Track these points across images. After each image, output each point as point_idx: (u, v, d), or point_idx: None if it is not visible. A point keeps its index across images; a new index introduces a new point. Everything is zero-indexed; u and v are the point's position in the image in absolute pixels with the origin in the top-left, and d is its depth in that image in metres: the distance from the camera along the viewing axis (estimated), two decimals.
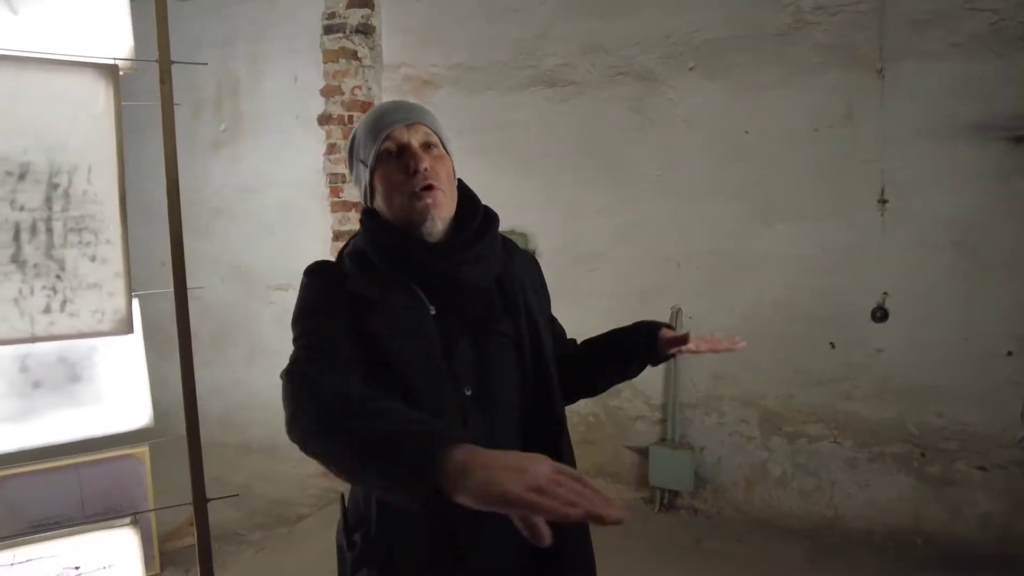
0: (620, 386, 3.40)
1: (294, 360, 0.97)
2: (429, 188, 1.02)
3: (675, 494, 3.32)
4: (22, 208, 1.48)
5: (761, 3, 2.96)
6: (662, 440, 3.34)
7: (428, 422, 0.79)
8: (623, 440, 3.46)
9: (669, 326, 1.25)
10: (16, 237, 1.48)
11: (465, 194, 1.13)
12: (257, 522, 3.40)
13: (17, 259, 1.48)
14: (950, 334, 2.81)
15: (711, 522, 3.22)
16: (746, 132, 3.05)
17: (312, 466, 3.92)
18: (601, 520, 0.64)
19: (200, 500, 1.40)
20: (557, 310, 1.33)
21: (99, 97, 1.55)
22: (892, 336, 2.89)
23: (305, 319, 1.03)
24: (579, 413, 3.53)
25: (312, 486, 3.77)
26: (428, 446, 0.72)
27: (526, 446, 1.09)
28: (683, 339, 1.17)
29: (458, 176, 1.13)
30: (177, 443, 2.98)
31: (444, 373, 1.01)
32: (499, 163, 3.48)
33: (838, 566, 2.80)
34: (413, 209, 1.03)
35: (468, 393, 1.03)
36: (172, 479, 2.89)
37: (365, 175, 1.08)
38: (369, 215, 1.09)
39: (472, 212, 1.11)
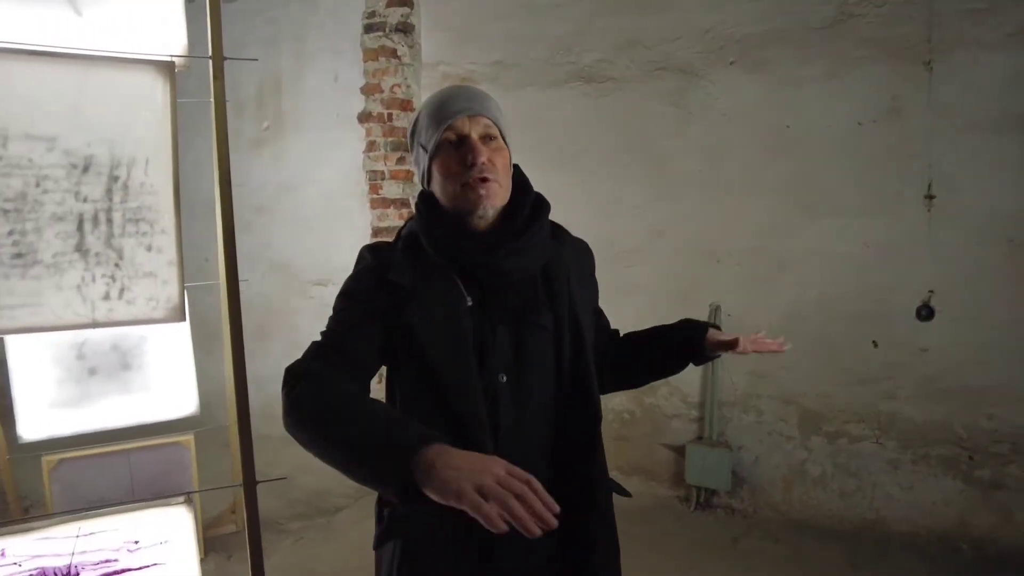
0: (657, 383, 3.40)
1: (309, 350, 1.04)
2: (484, 180, 1.04)
3: (712, 493, 3.29)
4: (85, 199, 1.55)
5: None
6: (699, 438, 3.31)
7: (406, 426, 0.88)
8: (659, 438, 3.44)
9: (715, 326, 1.27)
10: (80, 227, 1.54)
11: (518, 180, 1.14)
12: (297, 512, 3.48)
13: (80, 248, 1.54)
14: (1002, 333, 2.72)
15: (748, 522, 3.18)
16: (787, 126, 3.01)
17: None
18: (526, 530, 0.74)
19: (250, 482, 1.45)
20: None
21: (157, 93, 1.61)
22: (938, 335, 2.82)
23: (342, 299, 1.09)
24: (614, 410, 3.52)
25: None
26: (403, 449, 0.82)
27: (559, 439, 1.10)
28: (732, 343, 1.18)
29: (514, 162, 1.15)
30: (218, 434, 3.08)
31: (472, 364, 1.03)
32: (537, 159, 3.44)
33: (879, 570, 2.74)
34: (466, 198, 1.05)
35: (503, 380, 1.04)
36: (211, 468, 2.98)
37: (424, 160, 1.10)
38: (425, 200, 1.12)
39: (524, 199, 1.12)
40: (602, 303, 1.31)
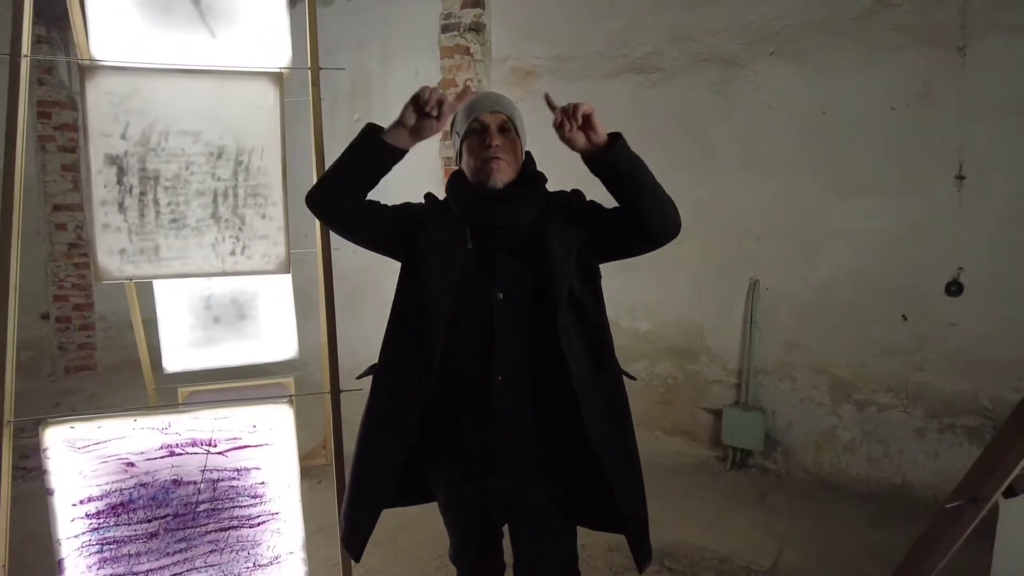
0: (699, 351, 3.66)
1: None
2: (496, 159, 1.44)
3: (747, 454, 3.55)
4: (218, 179, 2.06)
5: None
6: (736, 403, 3.58)
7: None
8: (699, 402, 3.73)
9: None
10: (214, 200, 2.06)
11: (528, 163, 1.55)
12: None
13: (215, 215, 2.06)
14: None
15: (779, 481, 3.43)
16: (823, 112, 3.20)
17: None
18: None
19: (335, 390, 1.93)
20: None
21: (269, 96, 2.10)
22: (967, 310, 2.95)
23: (401, 204, 1.60)
24: (659, 376, 3.84)
25: None
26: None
27: (542, 343, 1.45)
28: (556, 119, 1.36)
29: (527, 150, 1.55)
30: (312, 389, 3.63)
31: (451, 282, 1.44)
32: None
33: (899, 528, 2.93)
34: (482, 170, 1.46)
35: (500, 297, 1.44)
36: (305, 416, 3.57)
37: (457, 142, 1.53)
38: (454, 176, 1.56)
39: (527, 176, 1.52)
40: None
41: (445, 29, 4.26)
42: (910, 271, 3.07)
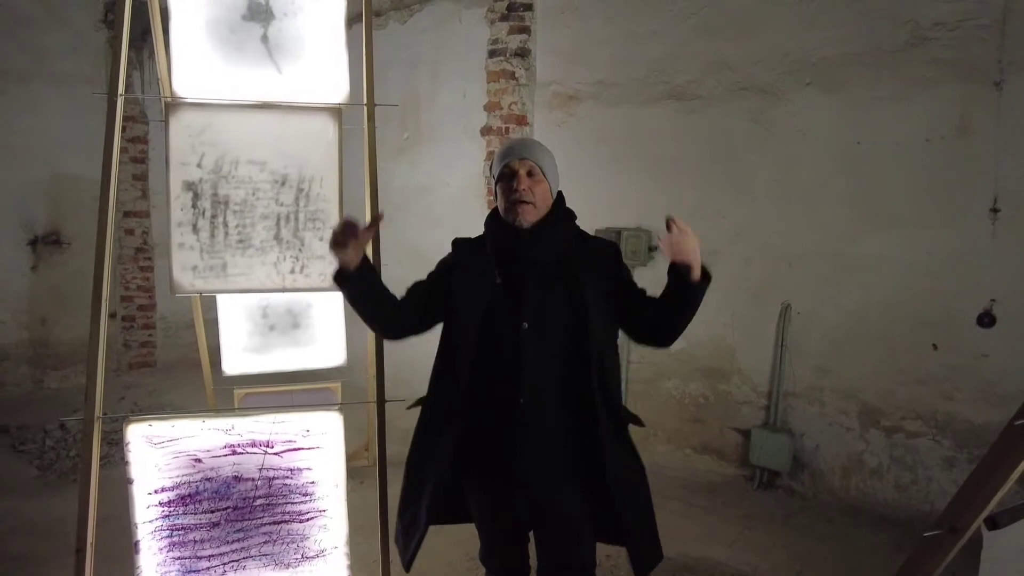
0: (730, 372, 3.73)
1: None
2: (522, 202, 1.61)
3: (774, 474, 3.61)
4: (281, 204, 2.27)
5: (878, 21, 3.15)
6: (764, 424, 3.64)
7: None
8: (729, 422, 3.80)
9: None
10: (277, 223, 2.27)
11: (558, 202, 1.71)
12: None
13: (277, 237, 2.28)
14: None
15: (806, 503, 3.48)
16: (858, 143, 3.25)
17: None
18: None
19: (381, 400, 2.11)
20: None
21: (329, 129, 2.31)
22: (999, 342, 2.97)
23: (436, 266, 1.80)
24: (691, 395, 3.92)
25: None
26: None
27: (568, 369, 1.62)
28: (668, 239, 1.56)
29: (559, 190, 1.73)
30: (356, 394, 3.84)
31: (478, 316, 1.62)
32: (632, 168, 3.95)
33: None
34: (510, 211, 1.64)
35: (526, 327, 1.60)
36: (349, 421, 3.75)
37: (492, 183, 1.73)
38: (491, 214, 1.74)
39: (556, 215, 1.69)
40: None
41: (492, 54, 4.46)
42: (942, 301, 3.10)
